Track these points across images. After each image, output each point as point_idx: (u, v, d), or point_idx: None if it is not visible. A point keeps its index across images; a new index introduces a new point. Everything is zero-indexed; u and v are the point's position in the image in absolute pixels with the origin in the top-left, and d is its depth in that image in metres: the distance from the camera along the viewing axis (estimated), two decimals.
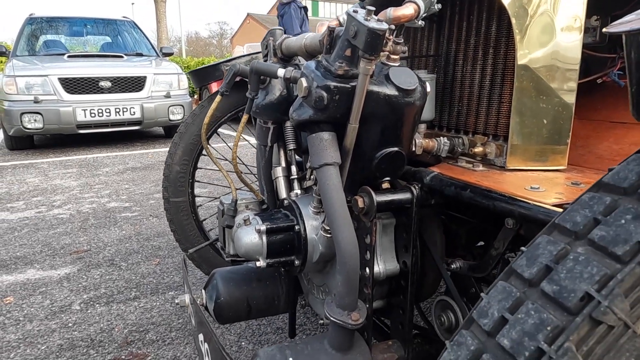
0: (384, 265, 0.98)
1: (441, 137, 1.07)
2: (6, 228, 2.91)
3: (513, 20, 0.93)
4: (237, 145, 1.09)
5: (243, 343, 1.69)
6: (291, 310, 1.25)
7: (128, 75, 5.63)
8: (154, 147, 5.86)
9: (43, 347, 1.67)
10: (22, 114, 5.10)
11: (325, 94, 0.82)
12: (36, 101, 5.15)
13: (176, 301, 1.10)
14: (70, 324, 1.82)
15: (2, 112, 5.33)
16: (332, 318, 0.82)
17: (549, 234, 0.50)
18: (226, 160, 1.84)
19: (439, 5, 0.96)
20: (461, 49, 1.10)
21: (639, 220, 0.43)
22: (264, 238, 0.96)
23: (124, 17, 7.44)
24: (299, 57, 1.15)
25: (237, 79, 1.11)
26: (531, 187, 0.82)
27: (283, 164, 1.15)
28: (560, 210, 0.69)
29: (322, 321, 1.04)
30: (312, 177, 1.08)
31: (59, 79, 5.28)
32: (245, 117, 1.07)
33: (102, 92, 5.45)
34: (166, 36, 17.43)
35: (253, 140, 2.47)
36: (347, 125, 0.85)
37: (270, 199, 1.20)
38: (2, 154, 5.42)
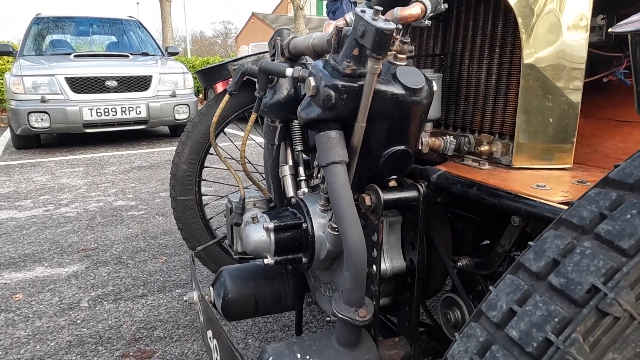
0: (390, 262, 0.99)
1: (447, 136, 1.08)
2: (14, 226, 2.94)
3: (519, 20, 0.93)
4: (245, 143, 1.10)
5: (250, 340, 1.70)
6: (298, 307, 1.26)
7: (134, 74, 5.66)
8: (159, 146, 5.89)
9: (52, 344, 1.69)
10: (29, 113, 5.14)
11: (333, 93, 0.83)
12: (43, 100, 5.19)
13: (184, 298, 1.12)
14: (78, 321, 1.84)
15: (9, 112, 5.37)
16: (339, 314, 0.83)
17: (556, 228, 0.51)
18: (233, 159, 1.85)
19: (446, 5, 0.97)
20: (467, 48, 1.10)
21: None
22: (272, 235, 0.97)
23: (129, 16, 7.47)
24: (307, 57, 1.16)
25: (245, 78, 1.13)
26: (537, 185, 0.83)
27: (290, 162, 1.16)
28: (566, 208, 0.69)
29: (329, 318, 1.05)
30: (319, 175, 1.09)
31: (66, 78, 5.32)
32: (253, 116, 1.08)
33: (108, 92, 5.48)
34: (171, 35, 17.48)
35: (259, 139, 2.47)
36: (355, 124, 0.86)
37: (277, 197, 1.21)
38: (10, 153, 5.46)
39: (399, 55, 0.88)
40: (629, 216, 0.45)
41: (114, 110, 5.44)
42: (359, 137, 0.87)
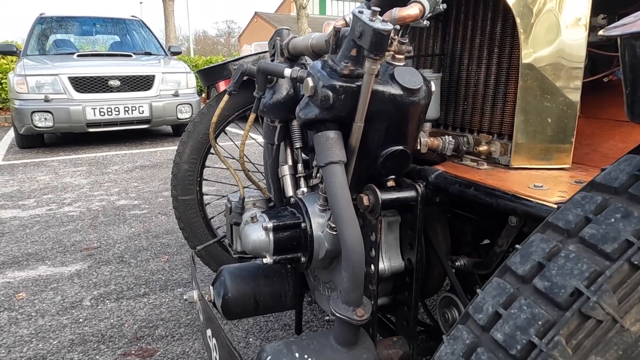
0: (389, 262, 0.99)
1: (446, 136, 1.08)
2: (18, 225, 2.95)
3: (517, 20, 0.93)
4: (244, 143, 1.11)
5: (251, 339, 1.71)
6: (298, 307, 1.27)
7: (137, 74, 5.68)
8: (162, 145, 5.90)
9: (55, 342, 1.70)
10: (33, 112, 5.15)
11: (331, 94, 0.83)
12: (46, 100, 5.21)
13: (184, 297, 1.12)
14: (81, 320, 1.85)
15: (13, 111, 5.39)
16: (337, 314, 0.83)
17: (542, 232, 0.51)
18: (234, 158, 1.86)
19: (444, 5, 0.97)
20: (466, 48, 1.10)
21: (628, 219, 0.45)
22: (271, 235, 0.98)
23: (132, 16, 7.49)
24: (306, 57, 1.16)
25: (245, 78, 1.13)
26: (535, 186, 0.83)
27: (290, 162, 1.17)
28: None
29: (328, 317, 1.06)
30: (318, 175, 1.10)
31: (69, 78, 5.34)
32: (252, 116, 1.09)
33: (112, 91, 5.50)
34: (174, 35, 17.51)
35: (260, 139, 2.48)
36: (353, 124, 0.86)
37: (277, 196, 1.21)
38: (14, 152, 5.49)
39: (397, 56, 0.88)
40: (613, 220, 0.46)
41: (117, 109, 5.46)
42: (357, 137, 0.87)
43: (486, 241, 1.19)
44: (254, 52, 1.58)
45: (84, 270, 2.30)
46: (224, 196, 1.92)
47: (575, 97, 0.98)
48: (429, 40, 1.23)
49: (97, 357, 1.62)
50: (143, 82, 5.71)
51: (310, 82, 0.85)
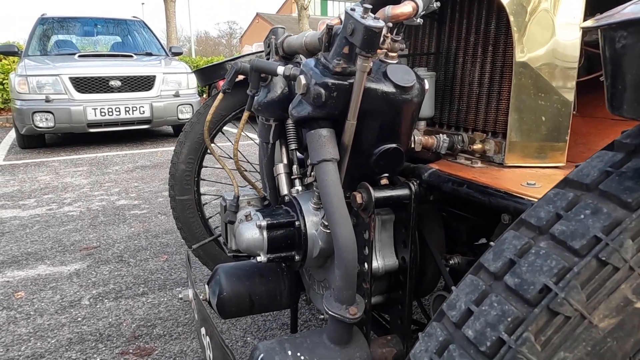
0: (382, 260, 0.99)
1: (441, 134, 1.08)
2: (18, 225, 2.96)
3: (511, 18, 0.93)
4: (238, 142, 1.11)
5: (249, 338, 1.71)
6: (293, 305, 1.26)
7: (138, 74, 5.69)
8: (163, 145, 5.91)
9: (53, 341, 1.71)
10: (34, 113, 5.17)
11: (323, 91, 0.83)
12: (47, 100, 5.22)
13: (180, 296, 1.12)
14: (79, 319, 1.85)
15: (14, 111, 5.41)
16: (330, 312, 0.83)
17: (516, 229, 0.51)
18: (231, 158, 1.86)
19: (438, 3, 0.97)
20: (461, 46, 1.10)
21: (597, 215, 0.45)
22: (265, 233, 0.98)
23: (134, 17, 7.51)
24: (301, 55, 1.16)
25: (240, 77, 1.13)
26: (527, 184, 0.83)
27: (285, 160, 1.17)
28: None
29: (322, 316, 1.05)
30: (312, 173, 1.10)
31: (70, 78, 5.35)
32: (246, 115, 1.09)
33: (112, 92, 5.51)
34: (175, 36, 17.54)
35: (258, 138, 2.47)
36: (346, 122, 0.86)
37: (272, 195, 1.21)
38: (15, 152, 5.50)
39: (390, 54, 0.88)
40: (582, 216, 0.46)
41: (117, 110, 5.47)
42: (349, 135, 0.87)
43: (482, 240, 1.19)
44: (251, 52, 1.58)
45: (83, 269, 2.30)
46: (222, 196, 1.92)
47: (570, 95, 0.97)
48: (424, 39, 1.23)
49: (95, 356, 1.62)
50: (144, 83, 5.72)
51: (303, 79, 0.85)
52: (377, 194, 0.90)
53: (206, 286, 1.20)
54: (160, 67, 5.99)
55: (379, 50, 0.87)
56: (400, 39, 0.88)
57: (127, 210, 3.25)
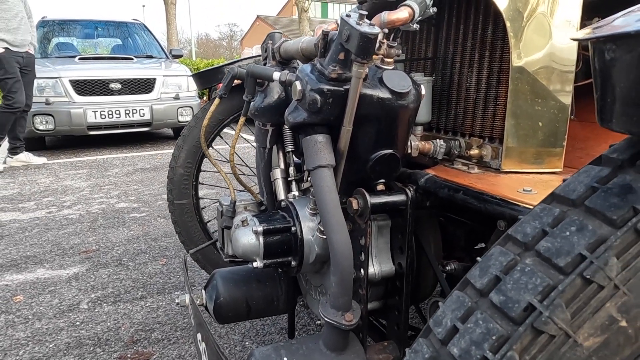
0: (379, 266, 0.99)
1: (437, 140, 1.08)
2: (17, 228, 2.96)
3: (508, 24, 0.93)
4: (234, 147, 1.11)
5: (247, 343, 1.71)
6: (290, 310, 1.26)
7: (138, 77, 5.70)
8: (163, 148, 5.91)
9: (51, 345, 1.70)
10: (34, 115, 5.17)
11: (318, 97, 0.83)
12: (48, 103, 5.23)
13: (177, 301, 1.12)
14: (78, 323, 1.85)
15: None
16: (326, 318, 0.83)
17: (503, 245, 0.51)
18: (229, 162, 1.86)
19: (435, 9, 0.97)
20: (458, 51, 1.10)
21: (582, 233, 0.44)
22: (261, 239, 0.98)
23: (134, 19, 7.52)
24: (297, 60, 1.16)
25: (237, 82, 1.13)
26: (524, 190, 0.83)
27: (282, 165, 1.17)
28: None
29: (319, 321, 1.05)
30: (309, 179, 1.09)
31: (70, 80, 5.36)
32: (242, 120, 1.09)
33: (112, 94, 5.52)
34: (176, 38, 17.58)
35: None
36: (341, 128, 0.86)
37: (269, 200, 1.21)
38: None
39: (386, 59, 0.88)
40: (568, 233, 0.45)
41: (117, 112, 5.48)
42: (345, 141, 0.87)
43: (481, 244, 1.19)
44: (249, 56, 1.58)
45: (82, 273, 2.30)
46: (218, 201, 1.92)
47: (567, 100, 0.97)
48: (422, 44, 1.23)
49: None
50: (144, 85, 5.73)
51: (298, 85, 0.85)
52: (373, 200, 0.90)
53: (203, 291, 1.20)
54: (161, 69, 6.00)
55: (374, 56, 0.87)
56: (396, 44, 0.88)
57: (126, 213, 3.25)
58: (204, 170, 1.84)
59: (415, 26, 0.94)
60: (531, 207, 0.74)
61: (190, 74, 6.13)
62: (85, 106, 5.36)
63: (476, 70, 1.05)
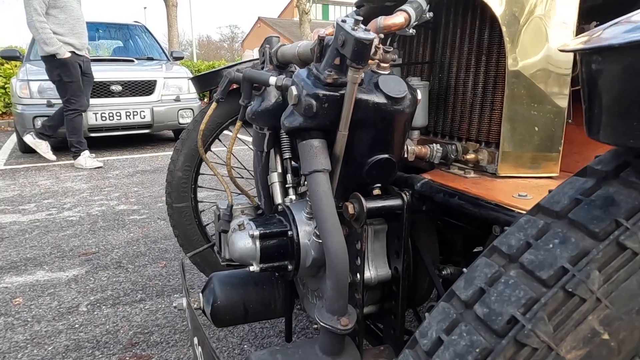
0: (375, 270, 0.99)
1: (434, 144, 1.08)
2: (17, 230, 2.97)
3: (504, 29, 0.93)
4: (230, 151, 1.11)
5: (245, 346, 1.71)
6: (288, 314, 1.26)
7: (138, 79, 5.70)
8: (163, 150, 5.92)
9: (50, 348, 1.71)
10: (35, 117, 5.18)
11: (314, 102, 0.84)
12: (49, 105, 5.24)
13: (174, 304, 1.12)
14: (76, 325, 1.85)
15: (15, 116, 5.43)
16: (321, 323, 0.83)
17: (488, 256, 0.51)
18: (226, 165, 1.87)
19: (431, 14, 0.97)
20: (455, 56, 1.10)
21: (565, 245, 0.44)
22: (257, 243, 0.98)
23: (135, 21, 7.54)
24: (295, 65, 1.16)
25: (235, 86, 1.13)
26: (519, 195, 0.83)
27: (279, 169, 1.17)
28: None
29: (316, 325, 1.05)
30: (305, 183, 1.10)
31: None
32: (238, 124, 1.09)
33: (113, 96, 5.53)
34: (177, 40, 17.61)
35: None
36: (337, 133, 0.86)
37: (267, 204, 1.22)
38: (16, 157, 5.52)
39: (382, 64, 0.89)
40: (551, 246, 0.46)
41: (118, 114, 5.49)
42: (341, 146, 0.87)
43: (479, 248, 1.19)
44: (247, 60, 1.59)
45: (82, 275, 2.30)
46: (216, 204, 1.92)
47: (563, 104, 0.97)
48: (419, 48, 1.23)
49: None
50: (145, 87, 5.74)
51: (294, 90, 0.86)
52: (369, 205, 0.90)
53: (200, 295, 1.20)
54: (161, 71, 6.01)
55: (370, 61, 0.87)
56: (392, 49, 0.89)
57: (126, 215, 3.26)
58: (203, 174, 1.85)
59: (412, 31, 0.94)
60: (526, 212, 0.74)
61: (191, 76, 6.13)
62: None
63: (472, 74, 1.05)
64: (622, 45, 0.39)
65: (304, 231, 1.00)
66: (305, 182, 1.10)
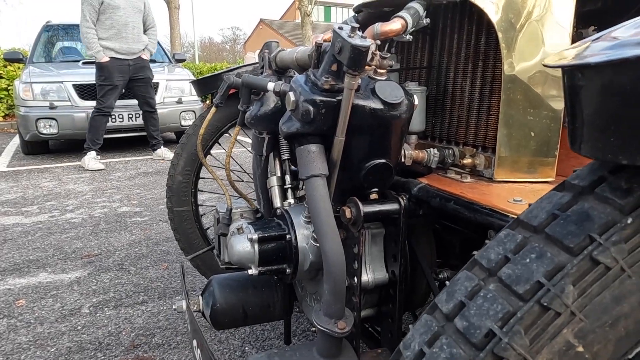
0: (373, 274, 1.00)
1: (431, 149, 1.09)
2: (20, 232, 2.98)
3: (500, 35, 0.94)
4: (229, 155, 1.12)
5: (247, 348, 1.71)
6: (287, 317, 1.27)
7: None
8: None
9: (53, 350, 1.72)
10: (38, 119, 5.21)
11: (311, 108, 0.85)
12: (51, 107, 5.27)
13: (174, 307, 1.14)
14: (79, 327, 1.86)
15: (18, 118, 5.45)
16: (319, 326, 0.84)
17: (470, 269, 0.52)
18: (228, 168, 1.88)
19: (428, 20, 0.98)
20: (452, 61, 1.11)
21: (541, 260, 0.45)
22: (256, 246, 0.99)
23: None
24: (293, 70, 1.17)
25: (234, 90, 1.14)
26: (514, 200, 0.83)
27: (278, 173, 1.18)
28: None
29: (314, 328, 1.06)
30: (304, 187, 1.11)
31: (73, 85, 5.39)
32: (237, 130, 1.10)
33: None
34: (179, 42, 17.65)
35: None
36: (334, 138, 0.87)
37: (266, 208, 1.23)
38: (18, 159, 5.54)
39: (379, 70, 0.89)
40: (528, 260, 0.46)
41: (120, 116, 5.51)
42: (338, 151, 0.88)
43: (476, 252, 1.19)
44: (248, 63, 1.60)
45: (84, 277, 2.32)
46: (215, 208, 1.93)
47: (559, 109, 0.98)
48: (417, 53, 1.24)
49: None
50: None
51: (292, 96, 0.87)
52: (366, 209, 0.91)
53: (200, 297, 1.21)
54: (164, 74, 6.02)
55: (367, 67, 0.88)
56: (389, 56, 0.90)
57: (128, 217, 3.27)
58: (203, 178, 1.86)
59: (408, 37, 0.95)
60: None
61: (193, 78, 6.15)
62: (89, 110, 5.36)
63: (469, 79, 1.06)
64: (598, 63, 0.40)
65: (302, 235, 1.01)
66: (304, 186, 1.11)
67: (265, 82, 0.99)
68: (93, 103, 5.43)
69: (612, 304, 0.44)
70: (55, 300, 2.09)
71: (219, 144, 1.82)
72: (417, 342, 0.50)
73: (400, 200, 0.94)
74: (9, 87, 8.70)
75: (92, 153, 4.99)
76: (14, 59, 6.20)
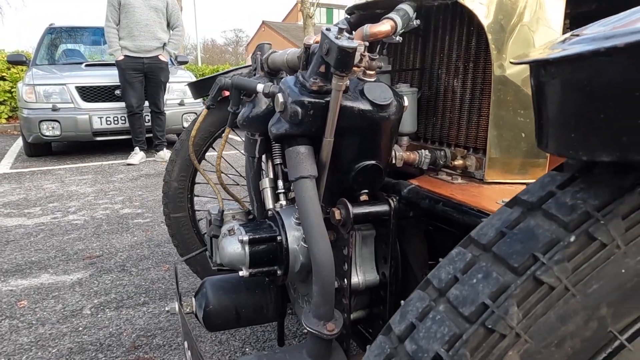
0: (363, 276, 1.00)
1: (423, 150, 1.08)
2: (22, 233, 3.00)
3: (489, 36, 0.94)
4: (220, 157, 1.12)
5: (247, 349, 1.72)
6: (280, 318, 1.27)
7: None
8: (167, 154, 5.96)
9: (54, 350, 1.73)
10: (41, 121, 5.23)
11: (300, 109, 0.85)
12: (54, 109, 5.29)
13: (167, 308, 1.14)
14: (80, 328, 1.87)
15: (21, 120, 5.48)
16: (308, 328, 0.84)
17: (423, 289, 0.51)
18: (224, 173, 1.88)
19: (418, 21, 0.98)
20: (443, 62, 1.11)
21: (487, 280, 0.44)
22: (247, 248, 0.99)
23: None
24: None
25: (226, 93, 1.15)
26: (502, 201, 0.83)
27: (270, 175, 1.18)
28: None
29: (305, 330, 1.06)
30: (293, 188, 1.11)
31: (76, 87, 5.41)
32: (227, 131, 1.10)
33: (118, 100, 5.56)
34: (182, 44, 17.67)
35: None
36: (323, 139, 0.88)
37: (259, 209, 1.23)
38: (21, 161, 5.58)
39: (368, 72, 0.90)
40: (475, 281, 0.45)
41: (123, 118, 5.52)
42: (327, 152, 0.88)
43: None
44: (242, 66, 1.60)
45: (86, 278, 2.33)
46: (207, 210, 1.93)
47: None
48: (409, 54, 1.24)
49: None
50: None
51: (280, 97, 0.87)
52: (355, 210, 0.91)
53: (193, 299, 1.21)
54: None
55: (356, 69, 0.89)
56: (378, 57, 0.90)
57: (130, 219, 3.29)
58: (199, 183, 1.86)
59: (398, 38, 0.95)
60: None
61: (194, 80, 6.15)
62: (91, 112, 5.41)
63: (460, 81, 1.06)
64: (555, 59, 0.39)
65: (293, 236, 1.01)
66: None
67: (255, 84, 0.99)
68: (96, 105, 5.47)
69: (557, 324, 0.42)
70: (56, 301, 2.10)
71: (213, 149, 1.82)
72: None
73: (390, 201, 0.94)
74: (13, 90, 8.75)
75: (136, 149, 5.27)
76: (18, 61, 6.23)
